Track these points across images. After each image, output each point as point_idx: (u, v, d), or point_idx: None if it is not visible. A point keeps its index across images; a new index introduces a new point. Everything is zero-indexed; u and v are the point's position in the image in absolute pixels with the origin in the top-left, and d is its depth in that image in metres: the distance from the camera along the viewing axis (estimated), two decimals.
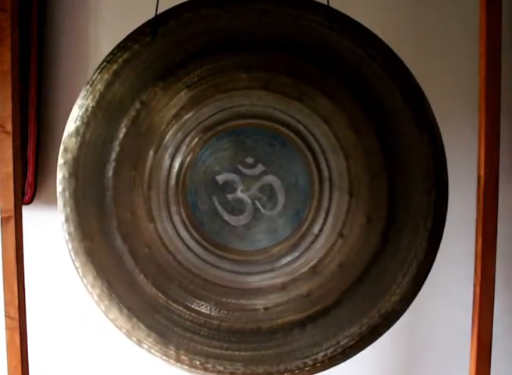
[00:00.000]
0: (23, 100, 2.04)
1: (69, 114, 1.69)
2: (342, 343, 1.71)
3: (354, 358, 1.93)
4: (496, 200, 1.90)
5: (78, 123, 1.68)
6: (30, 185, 2.15)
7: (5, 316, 1.88)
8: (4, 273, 1.88)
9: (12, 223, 1.86)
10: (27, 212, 2.01)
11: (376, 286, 1.47)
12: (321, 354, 1.70)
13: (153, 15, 1.67)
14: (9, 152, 1.85)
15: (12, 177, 1.85)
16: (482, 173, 1.90)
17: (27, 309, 1.93)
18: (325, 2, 1.67)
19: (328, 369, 2.02)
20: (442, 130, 1.73)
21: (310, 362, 1.70)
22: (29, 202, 2.17)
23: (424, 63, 2.12)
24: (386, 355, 2.29)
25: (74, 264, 1.69)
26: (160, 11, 1.67)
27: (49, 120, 2.20)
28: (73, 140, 1.68)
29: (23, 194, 2.13)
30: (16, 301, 1.87)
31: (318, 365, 1.70)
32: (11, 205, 1.86)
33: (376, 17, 2.06)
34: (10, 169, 1.85)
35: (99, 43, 2.17)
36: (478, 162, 1.93)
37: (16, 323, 1.87)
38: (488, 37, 1.88)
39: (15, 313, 1.87)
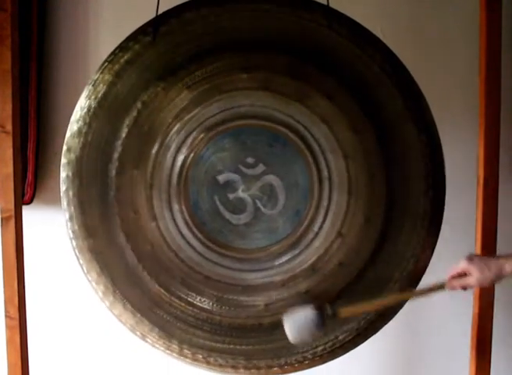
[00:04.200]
0: (23, 100, 2.05)
1: (69, 114, 1.74)
2: (340, 337, 1.76)
3: (355, 358, 1.97)
4: (495, 200, 1.96)
5: (80, 123, 1.73)
6: (30, 185, 2.18)
7: (5, 315, 1.91)
8: (4, 272, 1.91)
9: (12, 222, 1.88)
10: (27, 212, 2.02)
11: (374, 283, 1.50)
12: (320, 348, 1.76)
13: (153, 15, 1.71)
14: (9, 152, 1.87)
15: (12, 177, 1.87)
16: (482, 173, 1.96)
17: (28, 308, 1.95)
18: (325, 3, 1.72)
19: (330, 369, 2.07)
20: (442, 131, 1.78)
21: (309, 356, 1.75)
22: (29, 202, 2.20)
23: (424, 64, 2.16)
24: (386, 355, 2.33)
25: (78, 261, 1.74)
26: (160, 11, 1.72)
27: (49, 120, 2.23)
28: (76, 140, 1.73)
29: (23, 194, 2.15)
30: (16, 301, 1.89)
31: (317, 358, 1.76)
32: (11, 205, 1.88)
33: (376, 18, 2.10)
34: (10, 169, 1.87)
35: (99, 43, 2.20)
36: (477, 162, 1.98)
37: (16, 322, 1.90)
38: (488, 37, 1.94)
39: (15, 313, 1.90)
